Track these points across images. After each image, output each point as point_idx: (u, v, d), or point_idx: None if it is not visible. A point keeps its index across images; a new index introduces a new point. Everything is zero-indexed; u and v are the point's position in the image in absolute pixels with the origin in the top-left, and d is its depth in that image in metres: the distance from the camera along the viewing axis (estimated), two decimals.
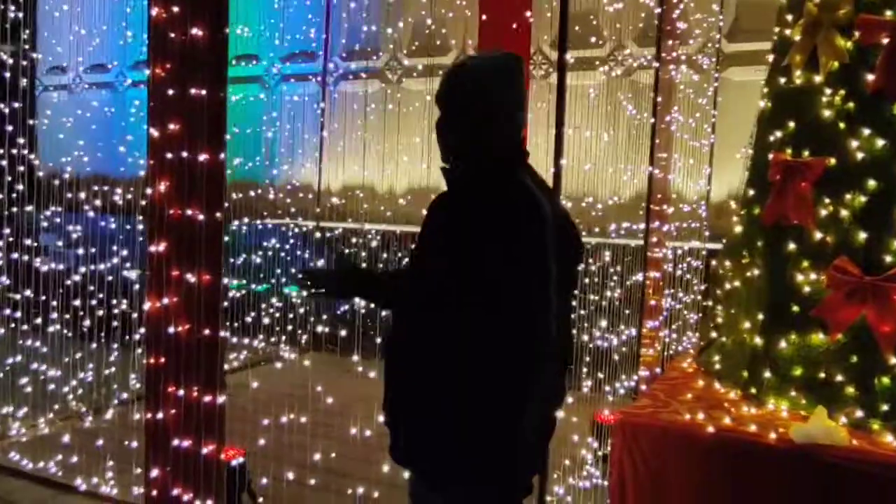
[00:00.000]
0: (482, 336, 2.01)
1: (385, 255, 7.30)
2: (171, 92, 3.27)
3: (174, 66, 3.25)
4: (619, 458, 3.42)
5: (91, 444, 4.42)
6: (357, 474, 4.22)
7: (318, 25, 7.73)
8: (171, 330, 3.33)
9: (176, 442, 3.29)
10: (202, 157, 3.23)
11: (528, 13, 6.40)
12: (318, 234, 7.54)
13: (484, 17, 6.57)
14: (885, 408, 3.34)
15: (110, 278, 5.62)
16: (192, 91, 3.21)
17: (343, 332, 6.17)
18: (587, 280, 6.09)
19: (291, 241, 7.37)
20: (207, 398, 3.33)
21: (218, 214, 3.29)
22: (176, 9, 3.21)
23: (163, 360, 3.36)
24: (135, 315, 5.41)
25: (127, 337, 5.33)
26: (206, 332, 3.33)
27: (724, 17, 6.16)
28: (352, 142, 7.74)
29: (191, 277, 3.30)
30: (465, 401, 2.05)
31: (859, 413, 3.37)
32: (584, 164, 6.84)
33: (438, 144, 2.25)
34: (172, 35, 3.23)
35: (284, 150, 7.85)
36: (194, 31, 3.19)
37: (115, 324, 5.53)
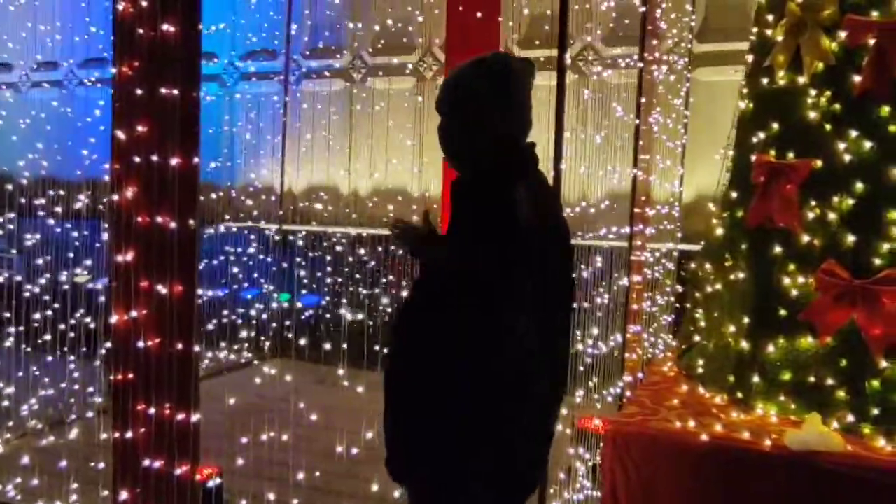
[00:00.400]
0: (479, 336, 2.05)
1: (351, 259, 7.14)
2: (139, 92, 3.08)
3: (142, 65, 3.06)
4: (611, 468, 3.34)
5: (53, 464, 4.16)
6: (345, 492, 4.05)
7: (280, 23, 7.52)
8: (141, 344, 3.15)
9: (147, 462, 3.11)
10: (174, 161, 3.05)
11: (498, 14, 6.35)
12: (279, 238, 7.35)
13: (452, 15, 6.49)
14: (875, 412, 3.32)
15: (67, 287, 5.35)
16: (163, 91, 3.03)
17: (328, 345, 5.98)
18: None
19: (255, 245, 7.16)
20: (181, 416, 3.15)
21: (191, 222, 3.11)
22: (144, 3, 3.03)
23: (131, 376, 3.18)
24: (93, 325, 5.15)
25: (84, 349, 5.07)
26: (179, 346, 3.15)
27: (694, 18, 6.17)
28: (316, 142, 7.56)
29: (162, 289, 3.12)
30: (465, 402, 2.06)
31: (850, 417, 3.35)
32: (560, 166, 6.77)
33: (442, 150, 2.20)
34: (141, 31, 3.04)
35: (246, 150, 7.64)
36: (165, 26, 3.00)
37: (71, 335, 5.26)
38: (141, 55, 3.06)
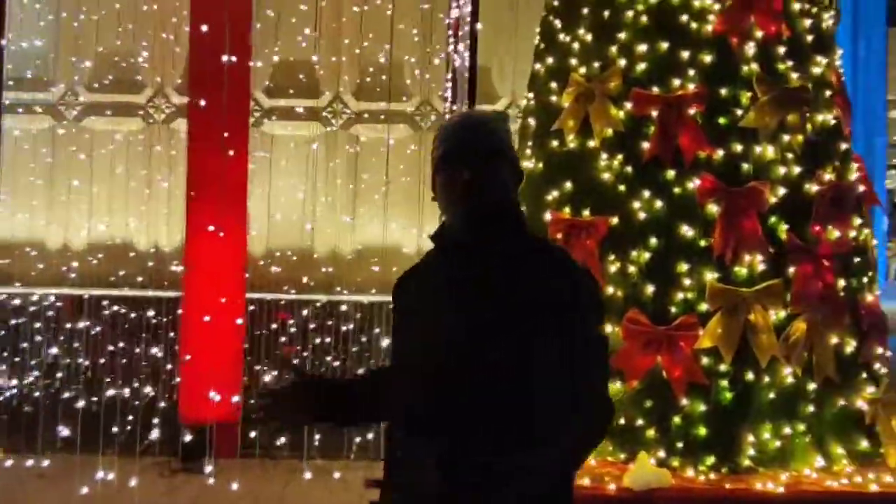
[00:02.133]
0: None
1: (68, 326, 6.12)
2: None
3: None
4: None
5: None
6: None
7: None
8: None
9: None
10: None
11: (249, 59, 6.04)
12: None
13: (197, 56, 6.02)
14: (680, 445, 3.67)
15: None
16: None
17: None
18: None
19: None
20: None
21: None
22: None
23: None
24: None
25: None
26: None
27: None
28: (16, 189, 6.40)
29: None
30: None
31: (661, 453, 3.65)
32: (300, 219, 6.63)
33: (482, 201, 1.87)
34: None
35: None
36: None
37: None
38: None
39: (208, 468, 5.73)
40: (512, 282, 1.79)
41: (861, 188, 4.21)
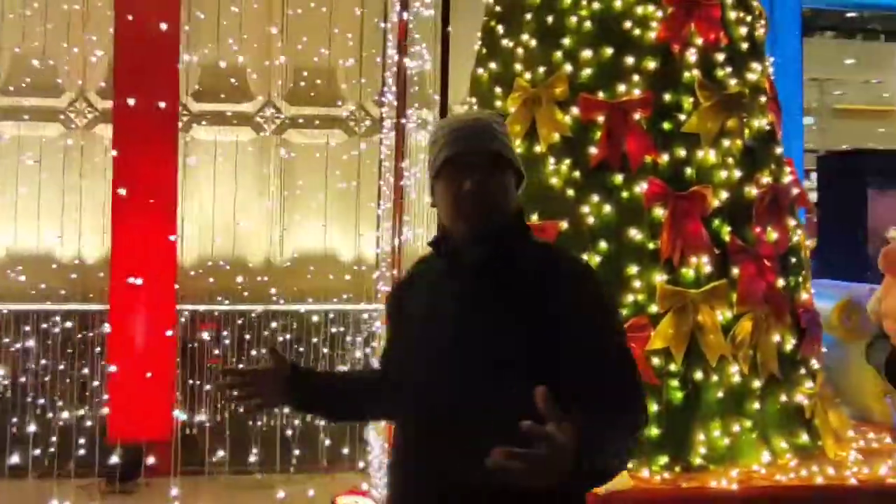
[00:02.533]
0: None
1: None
2: None
3: None
4: None
5: None
6: None
7: None
8: None
9: None
10: None
11: (177, 61, 5.83)
12: None
13: (123, 58, 5.76)
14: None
15: None
16: None
17: None
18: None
19: None
20: None
21: None
22: None
23: None
24: None
25: None
26: None
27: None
28: None
29: None
30: None
31: None
32: (232, 227, 6.44)
33: (492, 210, 1.81)
34: None
35: None
36: None
37: None
38: None
39: (140, 488, 5.50)
40: (531, 285, 1.75)
41: (795, 190, 4.37)
